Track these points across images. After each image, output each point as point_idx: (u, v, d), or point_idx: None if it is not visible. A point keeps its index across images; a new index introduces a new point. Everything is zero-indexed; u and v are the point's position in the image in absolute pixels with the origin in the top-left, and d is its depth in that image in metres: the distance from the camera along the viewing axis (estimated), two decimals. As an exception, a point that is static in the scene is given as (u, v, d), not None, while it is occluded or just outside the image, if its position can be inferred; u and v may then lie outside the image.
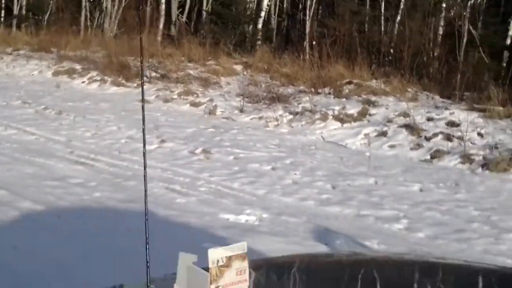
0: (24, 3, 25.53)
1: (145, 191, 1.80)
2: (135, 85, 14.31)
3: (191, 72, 14.94)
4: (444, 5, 18.94)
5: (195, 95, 13.06)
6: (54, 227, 5.59)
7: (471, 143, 9.15)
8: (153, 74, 14.66)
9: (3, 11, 25.94)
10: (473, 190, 7.58)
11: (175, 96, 13.10)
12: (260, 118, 11.50)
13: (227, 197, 6.82)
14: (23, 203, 6.09)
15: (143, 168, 5.97)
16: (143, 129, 1.86)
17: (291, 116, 11.32)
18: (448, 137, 9.41)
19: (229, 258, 1.50)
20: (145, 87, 13.86)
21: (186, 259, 1.55)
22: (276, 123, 11.12)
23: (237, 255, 1.52)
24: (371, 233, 5.85)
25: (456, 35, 15.88)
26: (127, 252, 4.53)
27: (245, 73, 15.29)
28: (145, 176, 1.82)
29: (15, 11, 25.50)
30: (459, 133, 9.43)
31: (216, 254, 1.49)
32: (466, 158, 8.68)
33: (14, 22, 24.97)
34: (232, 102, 12.49)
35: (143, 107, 1.86)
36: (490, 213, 6.63)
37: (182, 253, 1.56)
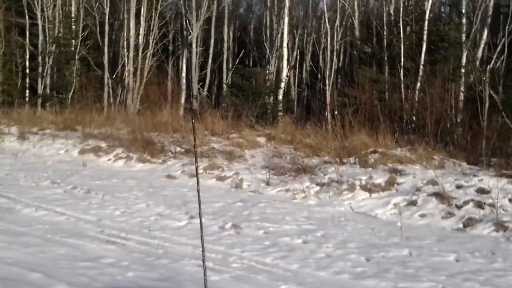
0: (48, 82, 26.07)
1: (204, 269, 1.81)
2: (160, 160, 14.44)
3: (215, 145, 15.06)
4: (463, 70, 19.09)
5: (221, 169, 13.13)
6: (89, 309, 5.55)
7: (503, 210, 9.06)
8: (178, 149, 14.80)
9: (27, 91, 26.50)
10: (510, 258, 7.45)
11: (201, 171, 13.16)
12: (287, 190, 11.50)
13: (260, 273, 6.74)
14: (58, 286, 6.05)
15: (174, 245, 5.94)
16: (200, 213, 1.88)
17: (318, 188, 11.31)
18: (479, 205, 9.33)
19: None
20: (170, 162, 14.08)
21: None
22: (303, 195, 11.11)
23: None
24: (410, 307, 5.74)
25: (477, 100, 15.93)
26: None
27: (268, 145, 15.39)
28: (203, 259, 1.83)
29: (40, 90, 26.04)
30: (490, 200, 9.35)
31: None
32: (500, 225, 8.58)
33: (39, 101, 25.45)
34: (257, 174, 12.53)
35: (198, 191, 1.88)
36: (530, 282, 6.49)
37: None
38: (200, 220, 1.85)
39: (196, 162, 2.35)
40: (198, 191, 1.98)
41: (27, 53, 26.48)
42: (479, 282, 6.45)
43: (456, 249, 7.79)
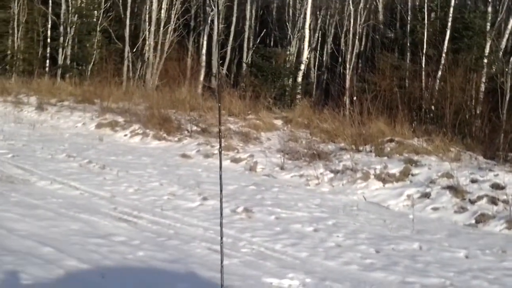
0: (68, 53, 26.14)
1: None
2: (176, 139, 14.48)
3: (231, 126, 15.05)
4: (485, 60, 18.90)
5: (236, 151, 13.13)
6: (98, 287, 5.60)
7: (517, 207, 8.99)
8: (194, 128, 14.81)
9: (48, 61, 26.61)
10: (520, 257, 7.42)
11: (216, 151, 13.18)
12: (301, 176, 11.50)
13: (269, 260, 6.77)
14: (69, 262, 6.11)
15: (185, 226, 5.97)
16: (221, 202, 1.88)
17: (332, 175, 11.29)
18: (493, 201, 9.27)
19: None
20: (185, 141, 14.11)
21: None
22: (317, 181, 11.11)
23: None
24: (417, 303, 5.75)
25: (498, 92, 15.78)
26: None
27: (285, 128, 15.36)
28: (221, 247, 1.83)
29: (60, 61, 26.13)
30: (505, 197, 9.29)
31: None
32: (512, 223, 8.53)
33: (59, 72, 25.56)
34: (272, 158, 12.53)
35: (220, 179, 1.87)
36: (539, 283, 6.46)
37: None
38: (221, 210, 1.86)
39: (220, 154, 2.34)
40: (220, 178, 1.99)
41: (49, 22, 26.56)
42: (487, 281, 6.43)
43: (467, 245, 7.77)
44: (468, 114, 15.90)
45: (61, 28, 26.23)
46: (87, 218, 7.91)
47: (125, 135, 15.33)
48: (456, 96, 15.98)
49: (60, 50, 26.19)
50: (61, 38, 26.18)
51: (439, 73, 18.82)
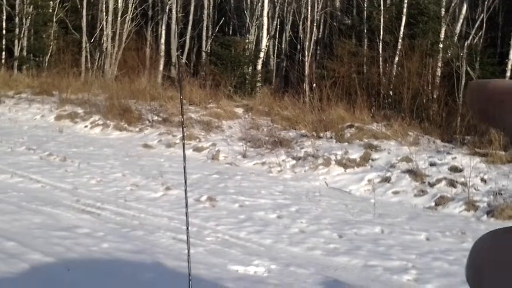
0: (25, 44, 25.72)
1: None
2: (137, 129, 14.42)
3: (192, 115, 15.03)
4: (441, 45, 19.16)
5: (198, 140, 13.14)
6: (63, 280, 5.59)
7: (475, 189, 9.21)
8: (155, 118, 14.76)
9: (4, 53, 26.15)
10: (479, 238, 7.60)
11: (178, 141, 13.17)
12: (263, 163, 11.58)
13: (234, 247, 6.83)
14: (33, 255, 6.09)
15: (149, 216, 5.99)
16: (185, 194, 1.92)
17: (294, 162, 11.40)
18: (452, 183, 9.48)
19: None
20: (147, 131, 14.07)
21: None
22: (279, 168, 11.20)
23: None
24: (380, 285, 5.87)
25: (454, 76, 16.03)
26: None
27: (246, 116, 15.40)
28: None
29: (16, 52, 25.69)
30: (463, 179, 9.50)
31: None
32: (471, 205, 8.73)
33: (15, 64, 25.16)
34: (234, 146, 12.58)
35: (184, 170, 1.91)
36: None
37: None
38: (186, 200, 1.90)
39: (183, 145, 2.40)
40: (184, 169, 2.03)
41: (4, 13, 26.06)
42: (448, 262, 6.60)
43: (427, 227, 7.94)
44: (425, 98, 16.14)
45: (17, 19, 25.76)
46: (50, 211, 7.86)
47: (86, 127, 15.20)
48: (413, 81, 16.20)
49: (16, 41, 25.74)
50: (17, 30, 25.72)
51: (396, 58, 18.99)
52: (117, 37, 25.02)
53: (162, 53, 25.93)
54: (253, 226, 7.66)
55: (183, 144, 2.14)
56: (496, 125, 0.39)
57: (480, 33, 20.01)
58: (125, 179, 9.94)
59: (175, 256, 6.38)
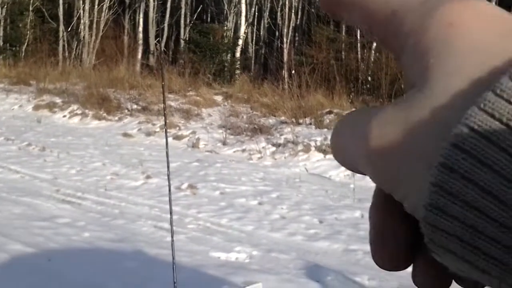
0: (1, 34, 25.48)
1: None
2: (116, 118, 14.37)
3: (172, 103, 14.99)
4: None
5: (177, 128, 13.13)
6: (45, 270, 5.59)
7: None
8: (134, 106, 14.72)
9: (-21, 43, 25.90)
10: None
11: (157, 129, 13.15)
12: (243, 150, 11.61)
13: (216, 234, 6.86)
14: (14, 246, 6.07)
15: (130, 205, 5.98)
16: (169, 183, 1.95)
17: (274, 148, 11.44)
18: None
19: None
20: (126, 120, 14.03)
21: None
22: (259, 155, 11.23)
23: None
24: (361, 269, 5.92)
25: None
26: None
27: (225, 103, 15.40)
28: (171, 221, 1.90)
29: (-8, 42, 25.48)
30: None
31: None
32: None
33: (-9, 54, 24.93)
34: (214, 134, 12.59)
35: (168, 162, 1.93)
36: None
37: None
38: (169, 189, 1.93)
39: (166, 132, 2.38)
40: (167, 155, 2.04)
41: (-21, 3, 25.82)
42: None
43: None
44: (404, 84, 16.24)
45: (-8, 9, 25.54)
46: (30, 201, 7.83)
47: (64, 116, 15.11)
48: (391, 66, 16.29)
49: (-9, 31, 25.53)
50: (-8, 19, 25.51)
51: (374, 44, 19.09)
52: (94, 25, 24.89)
53: (140, 41, 25.84)
54: (234, 213, 7.69)
55: (166, 130, 2.15)
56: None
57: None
58: (105, 168, 9.92)
59: (156, 244, 6.40)
